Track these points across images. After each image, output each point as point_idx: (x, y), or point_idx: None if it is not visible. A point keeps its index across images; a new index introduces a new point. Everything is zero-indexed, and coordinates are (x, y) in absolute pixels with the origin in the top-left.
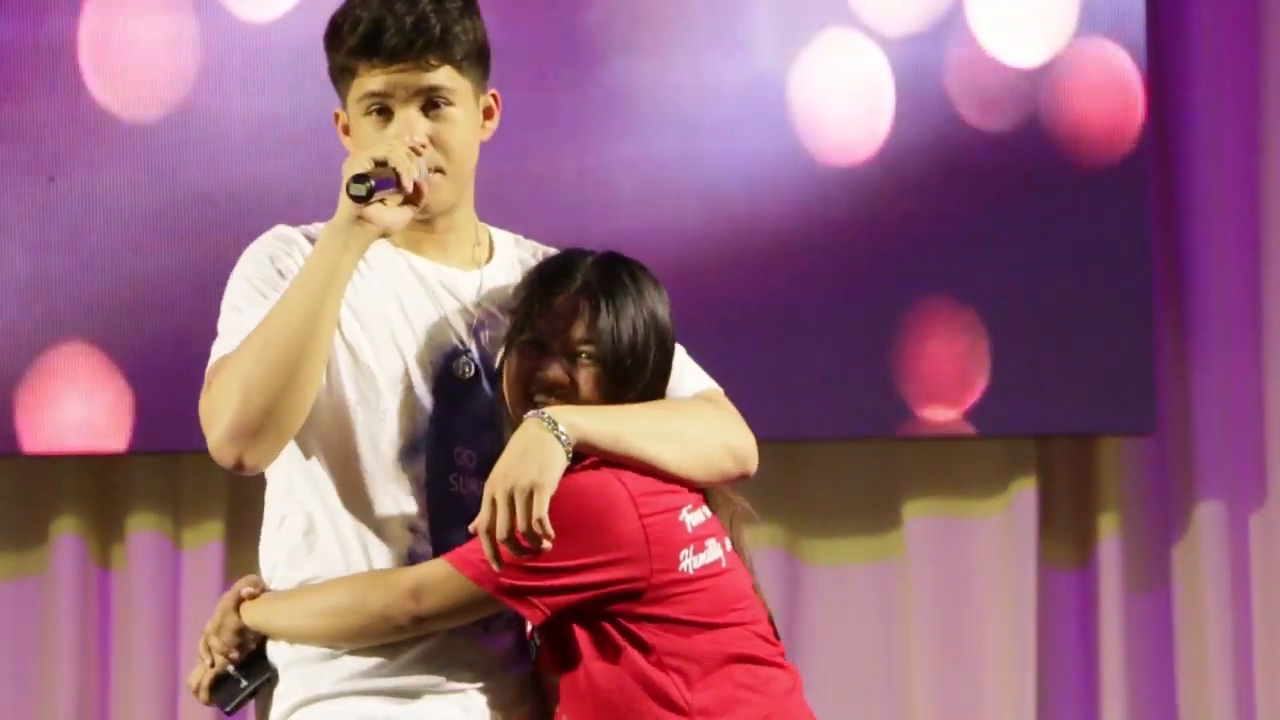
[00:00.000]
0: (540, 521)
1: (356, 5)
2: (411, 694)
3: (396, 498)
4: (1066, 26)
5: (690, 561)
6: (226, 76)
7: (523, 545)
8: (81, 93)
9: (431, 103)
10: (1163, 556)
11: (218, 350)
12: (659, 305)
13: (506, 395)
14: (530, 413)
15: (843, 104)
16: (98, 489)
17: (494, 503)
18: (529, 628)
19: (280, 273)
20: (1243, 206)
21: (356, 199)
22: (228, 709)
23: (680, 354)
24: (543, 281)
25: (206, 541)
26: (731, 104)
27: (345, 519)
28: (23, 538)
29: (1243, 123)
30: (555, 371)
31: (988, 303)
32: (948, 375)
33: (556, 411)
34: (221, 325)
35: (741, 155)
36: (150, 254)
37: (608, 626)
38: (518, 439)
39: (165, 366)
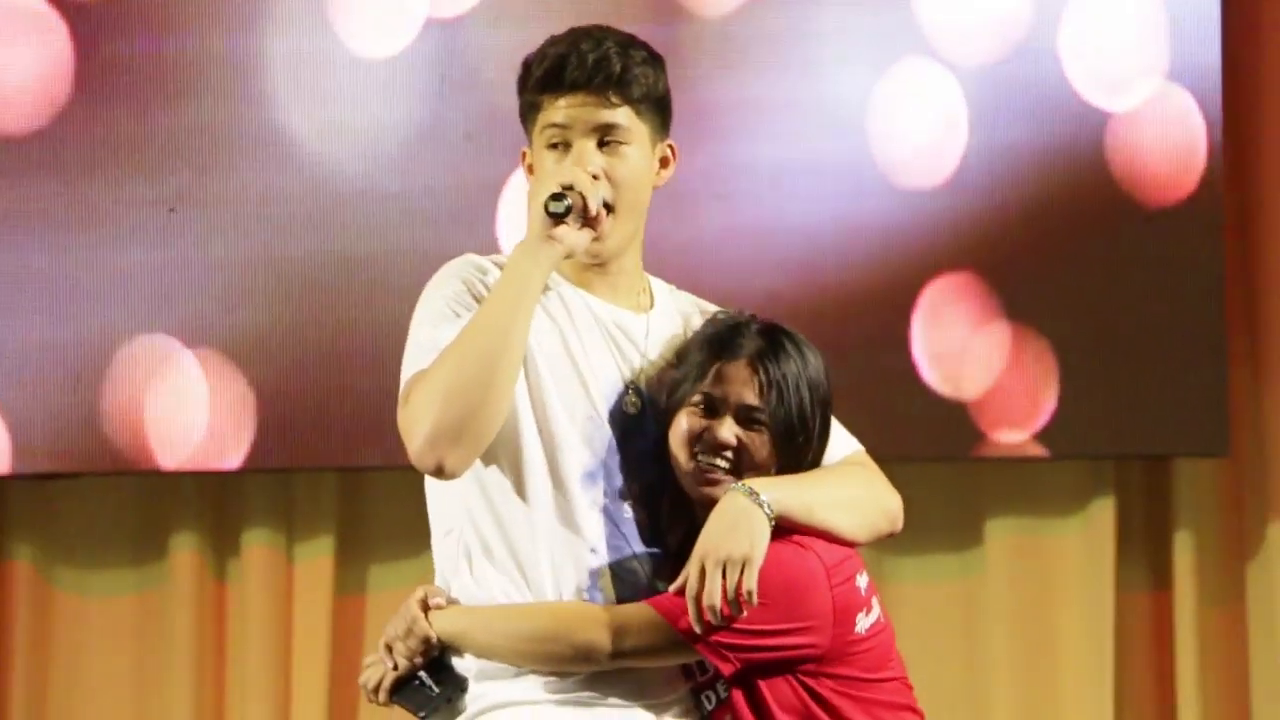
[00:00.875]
0: (750, 594)
1: (547, 45)
2: (587, 703)
3: (577, 521)
4: (1152, 71)
5: (864, 623)
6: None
7: (724, 614)
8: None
9: (608, 138)
10: (1237, 574)
11: (412, 364)
12: (820, 373)
13: (674, 453)
14: (733, 485)
15: (918, 130)
16: (215, 504)
17: (703, 570)
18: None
19: (473, 295)
20: None
21: (555, 216)
22: (421, 715)
23: None
24: (714, 346)
25: (317, 556)
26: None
27: (522, 537)
28: (143, 551)
29: None
30: (725, 433)
31: (1061, 328)
32: (1020, 397)
33: (757, 484)
34: (415, 340)
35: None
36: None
37: (791, 681)
38: (726, 510)
39: (291, 387)
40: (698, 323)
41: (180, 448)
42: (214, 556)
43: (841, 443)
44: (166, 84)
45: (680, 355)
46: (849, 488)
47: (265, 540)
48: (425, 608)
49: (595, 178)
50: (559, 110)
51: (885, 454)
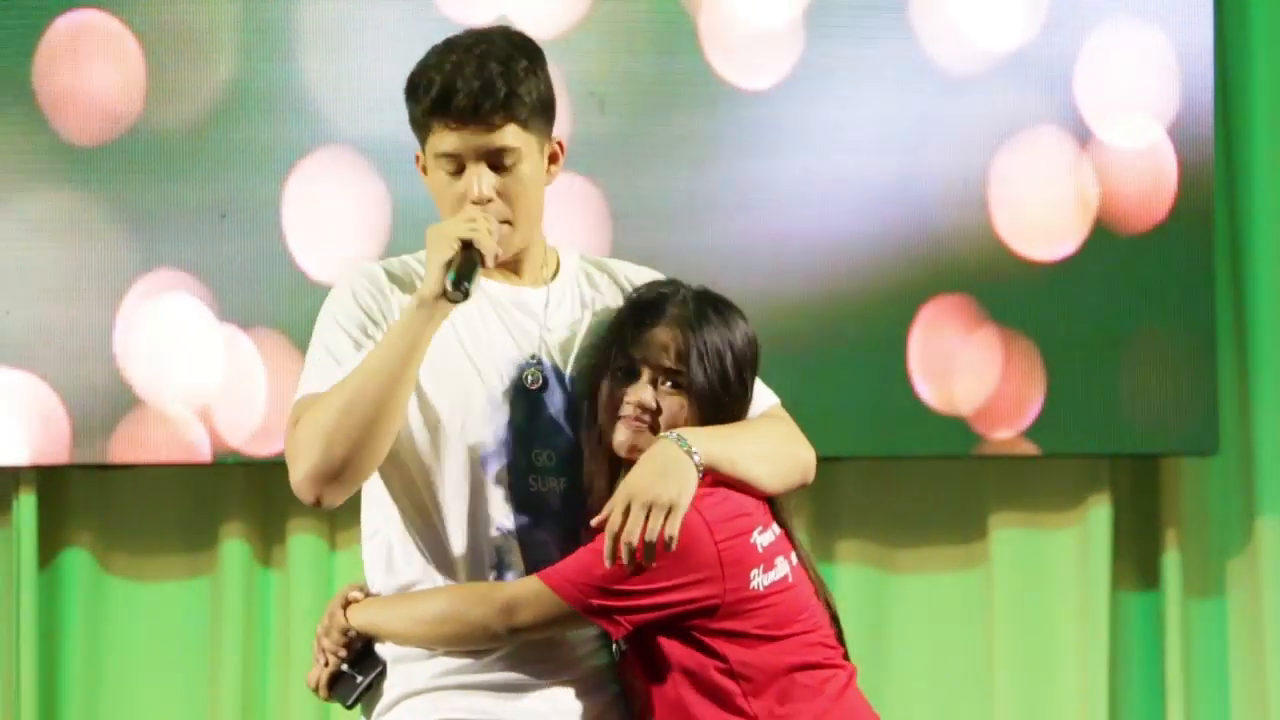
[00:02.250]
0: (671, 540)
1: (431, 66)
2: (501, 688)
3: (482, 501)
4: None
5: (760, 580)
6: None
7: (637, 558)
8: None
9: (499, 161)
10: (1223, 571)
11: (305, 386)
12: (745, 338)
13: (601, 416)
14: (665, 434)
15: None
16: (261, 493)
17: (628, 510)
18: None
19: (369, 317)
20: None
21: (456, 300)
22: (348, 704)
23: None
24: (636, 312)
25: (357, 544)
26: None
27: (434, 527)
28: (195, 540)
29: None
30: (645, 396)
31: (1051, 328)
32: (1010, 397)
33: (688, 434)
34: (311, 360)
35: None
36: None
37: (684, 639)
38: (656, 455)
39: None
40: (600, 279)
41: (238, 433)
42: (261, 545)
43: (762, 397)
44: (223, 101)
45: (608, 322)
46: (770, 441)
47: (309, 528)
48: (346, 603)
49: (488, 202)
50: (448, 139)
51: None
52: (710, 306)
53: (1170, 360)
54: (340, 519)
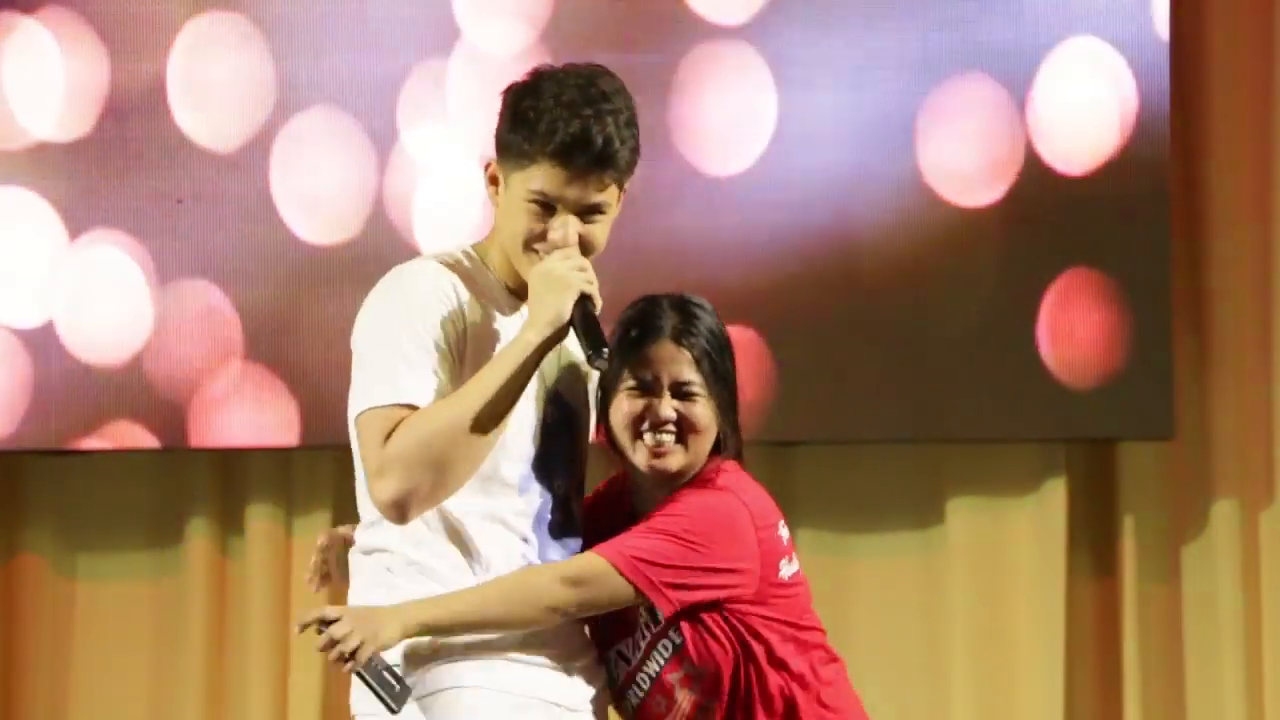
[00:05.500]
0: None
1: (551, 102)
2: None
3: (512, 530)
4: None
5: (786, 570)
6: None
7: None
8: None
9: (590, 212)
10: (1177, 554)
11: (385, 393)
12: (720, 326)
13: (619, 437)
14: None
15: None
16: (222, 481)
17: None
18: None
19: (448, 332)
20: (1258, 219)
21: (603, 369)
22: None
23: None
24: (635, 327)
25: (315, 531)
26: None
27: (475, 530)
28: (160, 530)
29: (1258, 141)
30: (665, 410)
31: (1007, 309)
32: (978, 379)
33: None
34: (384, 365)
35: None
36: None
37: (722, 617)
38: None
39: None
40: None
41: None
42: (220, 531)
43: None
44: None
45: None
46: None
47: (266, 516)
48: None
49: (570, 246)
50: (554, 183)
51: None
52: (693, 307)
53: (1127, 345)
54: (298, 506)
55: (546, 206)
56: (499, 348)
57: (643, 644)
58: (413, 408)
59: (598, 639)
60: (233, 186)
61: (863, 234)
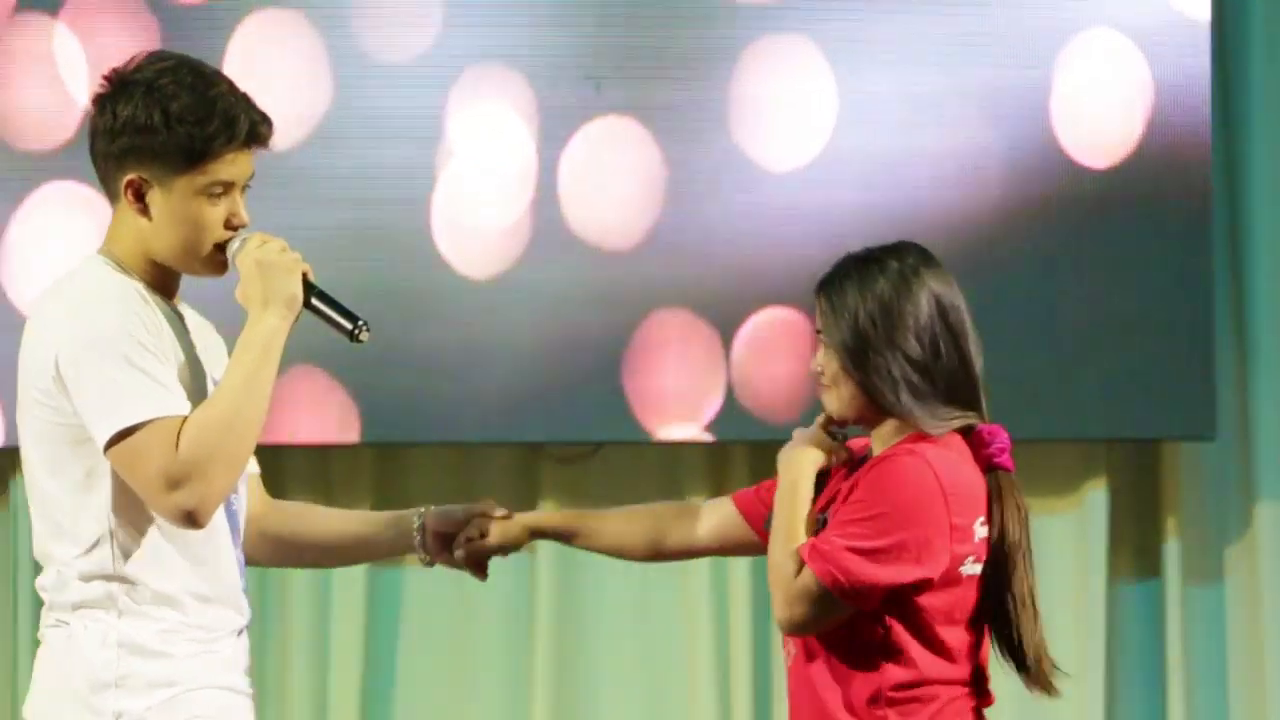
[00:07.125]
0: None
1: (204, 98)
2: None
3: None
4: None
5: (970, 569)
6: None
7: None
8: None
9: (246, 186)
10: (1220, 555)
11: (142, 409)
12: (885, 289)
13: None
14: None
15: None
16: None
17: None
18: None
19: (155, 337)
20: None
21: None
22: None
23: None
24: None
25: None
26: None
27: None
28: None
29: None
30: (815, 358)
31: (1047, 309)
32: (1019, 378)
33: None
34: (123, 382)
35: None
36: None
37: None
38: None
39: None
40: None
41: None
42: None
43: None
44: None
45: None
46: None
47: None
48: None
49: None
50: (236, 167)
51: None
52: (855, 263)
53: (1169, 344)
54: (336, 500)
55: (224, 194)
56: (179, 347)
57: None
58: (179, 417)
59: None
60: None
61: (928, 217)
